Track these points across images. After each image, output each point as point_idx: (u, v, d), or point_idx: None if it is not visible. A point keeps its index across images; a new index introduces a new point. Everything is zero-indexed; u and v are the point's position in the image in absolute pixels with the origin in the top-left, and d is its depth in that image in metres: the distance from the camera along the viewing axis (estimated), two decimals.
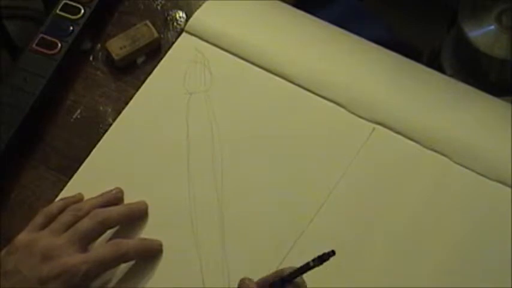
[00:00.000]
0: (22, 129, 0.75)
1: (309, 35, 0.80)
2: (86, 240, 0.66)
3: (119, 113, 0.76)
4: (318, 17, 0.81)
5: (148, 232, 0.70)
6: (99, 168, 0.74)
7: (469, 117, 0.74)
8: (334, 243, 0.68)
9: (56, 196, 0.72)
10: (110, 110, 0.77)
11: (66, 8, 0.80)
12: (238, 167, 0.71)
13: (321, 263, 0.58)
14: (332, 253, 0.58)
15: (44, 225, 0.68)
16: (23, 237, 0.66)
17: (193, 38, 0.79)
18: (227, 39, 0.79)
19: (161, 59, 0.79)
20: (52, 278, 0.63)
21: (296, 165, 0.72)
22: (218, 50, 0.78)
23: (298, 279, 0.61)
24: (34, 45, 0.78)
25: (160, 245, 0.69)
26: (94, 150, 0.75)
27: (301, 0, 0.85)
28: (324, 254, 0.58)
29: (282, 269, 0.62)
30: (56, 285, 0.63)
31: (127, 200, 0.72)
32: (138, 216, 0.70)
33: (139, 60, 0.79)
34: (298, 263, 0.61)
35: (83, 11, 0.80)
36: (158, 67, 0.78)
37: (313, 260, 0.59)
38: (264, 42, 0.78)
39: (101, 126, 0.76)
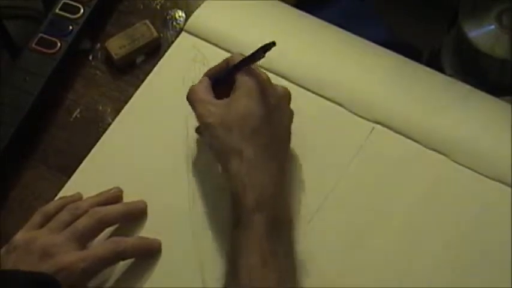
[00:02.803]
0: (22, 128, 0.75)
1: (309, 34, 0.80)
2: (84, 239, 0.66)
3: (119, 112, 0.77)
4: (318, 17, 0.81)
5: (148, 231, 0.70)
6: (98, 167, 0.74)
7: (469, 117, 0.74)
8: (334, 242, 0.68)
9: (56, 195, 0.73)
10: (109, 109, 0.77)
11: (65, 7, 0.80)
12: None
13: (264, 53, 0.64)
14: (273, 44, 0.63)
15: (42, 224, 0.68)
16: (21, 236, 0.66)
17: (193, 37, 0.80)
18: (226, 38, 0.79)
19: (160, 58, 0.79)
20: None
21: (295, 164, 0.72)
22: (217, 49, 0.78)
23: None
24: (33, 45, 0.78)
25: (160, 244, 0.69)
26: (93, 150, 0.75)
27: (301, 0, 0.85)
28: (266, 44, 0.63)
29: (231, 57, 0.68)
30: None
31: (126, 199, 0.72)
32: (137, 215, 0.70)
33: (139, 59, 0.79)
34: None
35: (82, 10, 0.80)
36: (157, 66, 0.79)
37: (257, 51, 0.64)
38: (263, 42, 0.78)
39: (100, 125, 0.76)
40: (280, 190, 0.64)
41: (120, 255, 0.67)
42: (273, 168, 0.63)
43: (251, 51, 0.66)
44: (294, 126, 0.74)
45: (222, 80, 0.68)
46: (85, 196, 0.72)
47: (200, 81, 0.69)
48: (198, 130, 0.72)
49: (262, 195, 0.61)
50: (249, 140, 0.63)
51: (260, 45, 0.65)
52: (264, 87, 0.65)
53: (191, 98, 0.68)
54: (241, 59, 0.67)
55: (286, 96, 0.67)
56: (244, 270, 0.59)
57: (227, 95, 0.66)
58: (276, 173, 0.63)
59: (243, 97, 0.64)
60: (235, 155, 0.63)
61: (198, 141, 0.74)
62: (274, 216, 0.61)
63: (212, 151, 0.66)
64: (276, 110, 0.65)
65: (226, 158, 0.63)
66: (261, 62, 0.77)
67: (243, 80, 0.65)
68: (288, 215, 0.65)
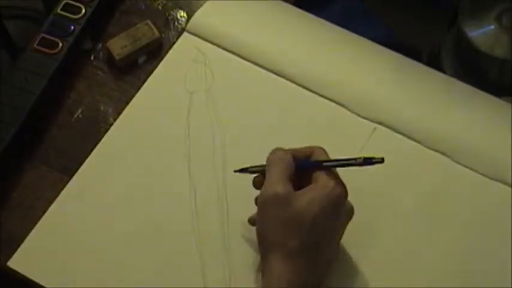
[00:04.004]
0: (23, 129, 0.75)
1: (309, 34, 0.80)
2: None
3: (120, 112, 0.76)
4: (318, 16, 0.82)
5: (148, 230, 0.70)
6: (100, 167, 0.74)
7: (469, 117, 0.75)
8: None
9: (57, 196, 0.72)
10: (110, 109, 0.77)
11: (67, 7, 0.79)
12: (239, 166, 0.71)
13: (365, 165, 0.61)
14: (381, 160, 0.60)
15: None
16: None
17: (194, 37, 0.80)
18: (228, 38, 0.79)
19: (162, 58, 0.79)
20: None
21: None
22: (219, 49, 0.78)
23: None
24: (35, 45, 0.78)
25: None
26: (95, 150, 0.74)
27: (301, 0, 0.86)
28: (371, 158, 0.60)
29: (314, 148, 0.64)
30: None
31: (127, 199, 0.71)
32: None
33: (141, 59, 0.79)
34: None
35: (84, 10, 0.79)
36: (159, 67, 0.78)
37: (357, 159, 0.61)
38: (265, 42, 0.79)
39: (101, 125, 0.76)
40: None
41: None
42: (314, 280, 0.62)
43: (346, 158, 0.63)
44: (295, 126, 0.74)
45: (299, 167, 0.64)
46: (86, 197, 0.72)
47: (287, 158, 0.64)
48: (255, 185, 0.67)
49: None
50: (305, 250, 0.61)
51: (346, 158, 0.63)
52: (340, 203, 0.62)
53: (275, 168, 0.63)
54: (323, 155, 0.64)
55: (351, 215, 0.65)
56: None
57: (299, 179, 0.63)
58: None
59: (316, 204, 0.61)
60: (282, 251, 0.61)
61: (199, 142, 0.74)
62: None
63: (259, 229, 0.64)
64: (336, 229, 0.63)
65: (274, 253, 0.61)
66: (260, 62, 0.78)
67: (324, 183, 0.61)
68: None
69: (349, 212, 0.64)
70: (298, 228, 0.60)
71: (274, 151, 0.65)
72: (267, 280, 0.61)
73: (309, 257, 0.61)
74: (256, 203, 0.65)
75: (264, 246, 0.63)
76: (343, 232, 0.65)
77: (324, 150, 0.65)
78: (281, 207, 0.61)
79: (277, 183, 0.62)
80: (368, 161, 0.61)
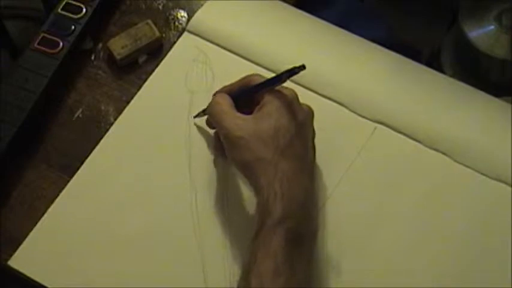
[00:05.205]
0: (23, 128, 0.75)
1: (310, 34, 0.80)
2: None
3: (121, 112, 0.76)
4: (318, 17, 0.82)
5: (149, 229, 0.70)
6: (100, 167, 0.74)
7: (470, 117, 0.75)
8: (336, 242, 0.68)
9: (57, 195, 0.72)
10: (111, 109, 0.77)
11: (67, 7, 0.79)
12: None
13: (290, 76, 0.65)
14: (303, 67, 0.64)
15: None
16: None
17: (195, 37, 0.80)
18: (228, 38, 0.79)
19: (163, 58, 0.79)
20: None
21: None
22: (220, 49, 0.78)
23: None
24: (35, 44, 0.78)
25: None
26: (95, 149, 0.74)
27: (301, 0, 0.86)
28: (294, 68, 0.64)
29: (250, 76, 0.69)
30: None
31: (128, 198, 0.71)
32: None
33: (141, 59, 0.79)
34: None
35: (84, 10, 0.79)
36: (160, 66, 0.78)
37: (283, 73, 0.65)
38: (265, 42, 0.79)
39: (102, 125, 0.76)
40: (309, 202, 0.64)
41: None
42: (304, 180, 0.64)
43: (276, 74, 0.67)
44: None
45: (240, 98, 0.68)
46: (86, 197, 0.72)
47: (221, 96, 0.69)
48: (209, 124, 0.73)
49: (292, 205, 0.61)
50: (283, 153, 0.63)
51: (286, 67, 0.66)
52: (293, 104, 0.66)
53: (216, 110, 0.68)
54: (261, 79, 0.68)
55: (311, 114, 0.68)
56: (255, 277, 0.59)
57: (244, 112, 0.67)
58: (307, 185, 0.64)
59: (274, 112, 0.65)
60: (270, 166, 0.63)
61: (199, 141, 0.74)
62: (297, 228, 0.61)
63: (238, 163, 0.66)
64: (303, 126, 0.66)
65: (259, 170, 0.63)
66: (261, 62, 0.78)
67: (272, 97, 0.66)
68: (312, 228, 0.65)
69: (306, 110, 0.68)
70: (266, 141, 0.64)
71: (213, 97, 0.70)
72: (260, 197, 0.63)
73: (290, 163, 0.63)
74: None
75: (247, 171, 0.65)
76: (314, 136, 0.69)
77: (260, 75, 0.69)
78: (244, 132, 0.64)
79: (228, 121, 0.66)
80: (292, 72, 0.65)
